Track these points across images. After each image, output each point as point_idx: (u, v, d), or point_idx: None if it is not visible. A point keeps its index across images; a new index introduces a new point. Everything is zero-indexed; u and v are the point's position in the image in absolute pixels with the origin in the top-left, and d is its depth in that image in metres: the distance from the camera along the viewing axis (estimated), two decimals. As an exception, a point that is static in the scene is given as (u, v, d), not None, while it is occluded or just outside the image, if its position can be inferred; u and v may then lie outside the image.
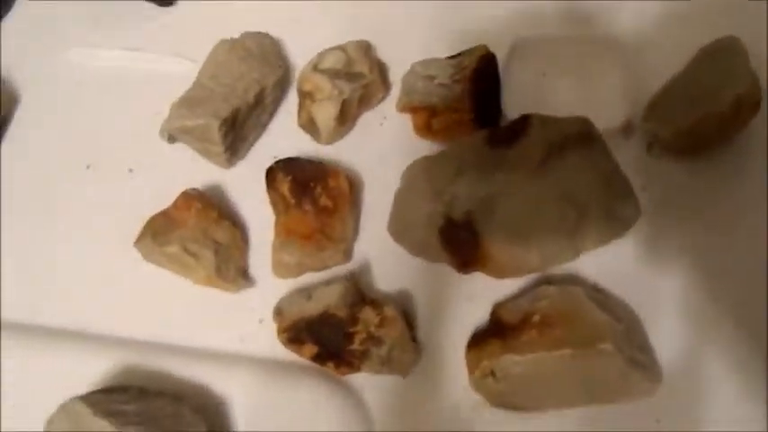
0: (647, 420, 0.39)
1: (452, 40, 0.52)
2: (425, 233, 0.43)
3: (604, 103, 0.48)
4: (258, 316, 0.45)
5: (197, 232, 0.44)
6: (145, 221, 0.46)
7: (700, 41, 0.47)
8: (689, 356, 0.40)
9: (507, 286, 0.43)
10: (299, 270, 0.45)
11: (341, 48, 0.51)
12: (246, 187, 0.49)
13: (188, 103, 0.47)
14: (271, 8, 0.57)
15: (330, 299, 0.41)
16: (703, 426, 0.38)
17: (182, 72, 0.54)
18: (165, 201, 0.47)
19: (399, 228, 0.44)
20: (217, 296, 0.46)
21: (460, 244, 0.42)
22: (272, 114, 0.52)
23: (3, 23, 0.60)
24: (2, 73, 0.57)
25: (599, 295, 0.41)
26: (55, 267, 0.48)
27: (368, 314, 0.41)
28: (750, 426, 0.38)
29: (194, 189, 0.47)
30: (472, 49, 0.49)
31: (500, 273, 0.43)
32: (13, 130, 0.55)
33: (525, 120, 0.42)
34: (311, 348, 0.41)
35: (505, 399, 0.39)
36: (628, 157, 0.45)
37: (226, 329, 0.45)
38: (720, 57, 0.46)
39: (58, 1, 0.60)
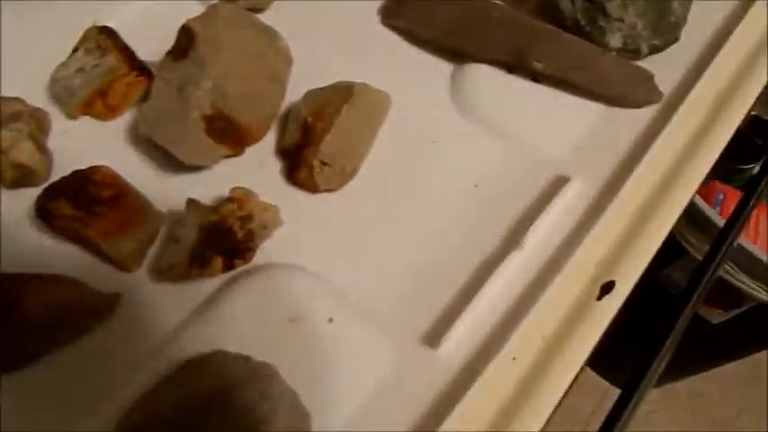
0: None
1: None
2: (197, 136, 0.50)
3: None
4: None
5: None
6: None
7: None
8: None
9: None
10: (144, 249, 0.48)
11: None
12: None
13: None
14: None
15: (192, 222, 0.47)
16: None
17: None
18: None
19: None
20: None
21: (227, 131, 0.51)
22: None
23: None
24: None
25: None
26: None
27: (226, 207, 0.48)
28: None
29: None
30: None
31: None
32: None
33: (186, 29, 0.52)
34: (218, 261, 0.46)
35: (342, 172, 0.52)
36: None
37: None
38: None
39: None
